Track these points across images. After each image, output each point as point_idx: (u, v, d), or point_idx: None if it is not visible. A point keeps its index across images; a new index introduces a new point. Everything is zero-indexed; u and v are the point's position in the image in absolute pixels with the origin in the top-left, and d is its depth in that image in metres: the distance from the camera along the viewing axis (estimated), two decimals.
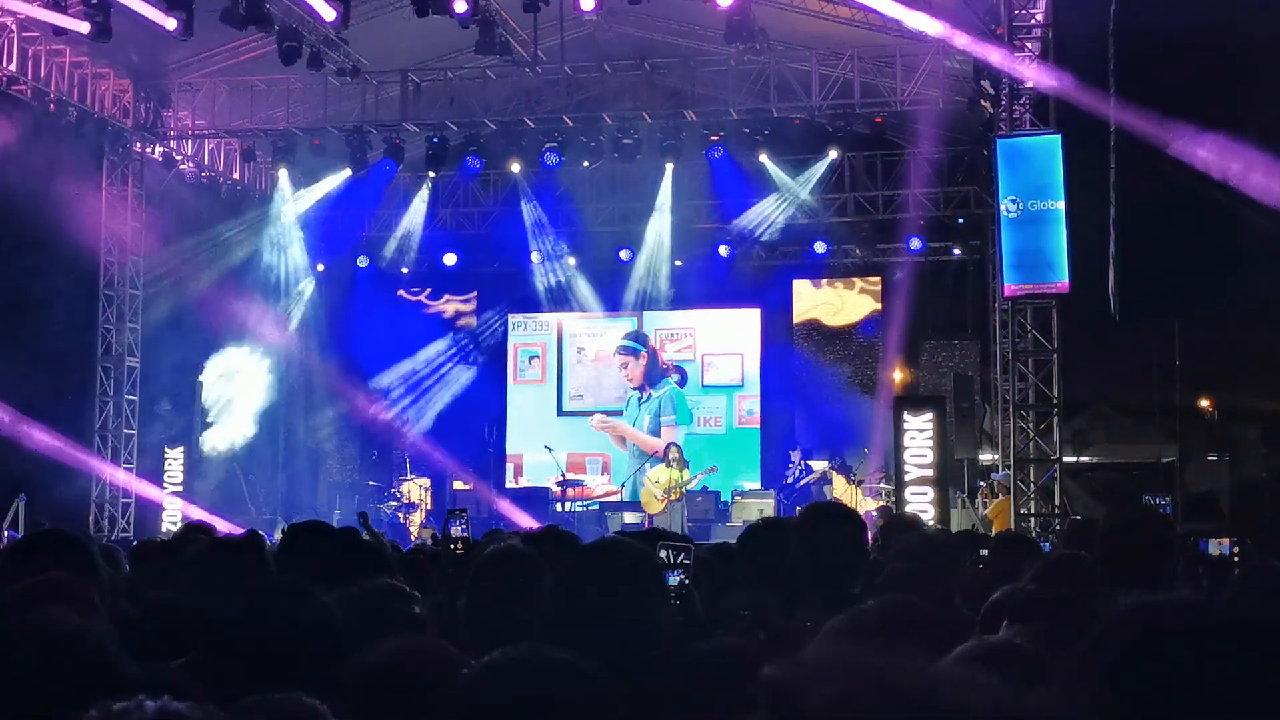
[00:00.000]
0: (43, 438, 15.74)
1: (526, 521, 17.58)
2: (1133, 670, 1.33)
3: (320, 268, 21.54)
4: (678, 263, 20.56)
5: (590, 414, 21.22)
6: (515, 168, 19.12)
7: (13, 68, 15.91)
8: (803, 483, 18.31)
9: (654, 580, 2.73)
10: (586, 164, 18.59)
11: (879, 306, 20.54)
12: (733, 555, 4.74)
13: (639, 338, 21.09)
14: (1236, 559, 4.41)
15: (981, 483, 16.51)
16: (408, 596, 3.42)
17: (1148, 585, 3.46)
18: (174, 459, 17.98)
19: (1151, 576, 3.53)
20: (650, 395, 20.92)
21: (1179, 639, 1.33)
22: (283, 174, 19.58)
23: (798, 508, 14.39)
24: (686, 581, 3.78)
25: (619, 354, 21.17)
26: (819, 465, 18.47)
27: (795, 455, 18.75)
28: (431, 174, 19.33)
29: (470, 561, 3.91)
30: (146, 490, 17.65)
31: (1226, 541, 4.44)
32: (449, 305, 22.22)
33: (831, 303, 20.80)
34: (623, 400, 21.13)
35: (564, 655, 1.91)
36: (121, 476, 17.69)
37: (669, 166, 18.78)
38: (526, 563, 3.53)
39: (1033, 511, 14.46)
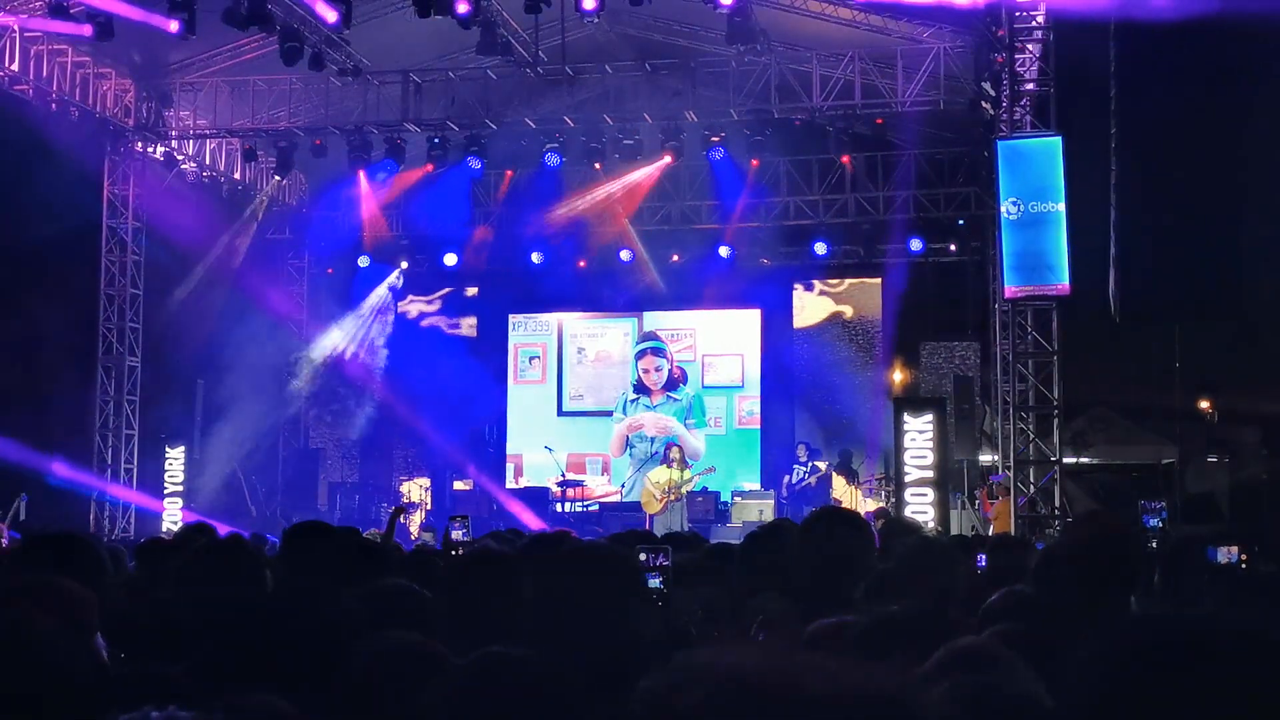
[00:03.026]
0: (43, 434, 15.76)
1: (530, 520, 17.61)
2: (1137, 683, 1.33)
3: (330, 271, 21.57)
4: (675, 258, 20.56)
5: (590, 414, 21.20)
6: (516, 168, 19.11)
7: (15, 67, 15.93)
8: (802, 484, 18.28)
9: (633, 584, 2.73)
10: (598, 166, 18.61)
11: (839, 309, 20.63)
12: (728, 557, 4.76)
13: (659, 338, 20.98)
14: (1244, 566, 4.40)
15: (982, 484, 16.53)
16: (418, 595, 3.44)
17: (1111, 596, 3.45)
18: (174, 458, 17.99)
19: (1114, 591, 3.52)
20: (668, 398, 20.77)
21: (1184, 652, 1.33)
22: (294, 174, 19.67)
23: (808, 508, 14.46)
24: (664, 584, 3.78)
25: (650, 355, 20.96)
26: (820, 465, 18.49)
27: (801, 452, 18.70)
28: (430, 168, 19.26)
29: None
30: (143, 500, 17.66)
31: (1235, 549, 4.43)
32: (412, 306, 22.25)
33: (791, 305, 20.89)
34: (621, 402, 21.10)
35: (543, 656, 1.92)
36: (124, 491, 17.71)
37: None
38: (503, 564, 3.54)
39: (1030, 513, 14.47)
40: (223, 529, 6.22)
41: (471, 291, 22.05)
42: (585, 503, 19.92)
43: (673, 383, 20.80)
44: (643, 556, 3.74)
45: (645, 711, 1.16)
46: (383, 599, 3.11)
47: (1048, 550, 3.74)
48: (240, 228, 19.92)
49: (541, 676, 1.89)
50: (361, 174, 19.20)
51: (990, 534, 13.53)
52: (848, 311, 20.67)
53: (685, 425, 20.50)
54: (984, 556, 5.16)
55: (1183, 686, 1.30)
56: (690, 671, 1.16)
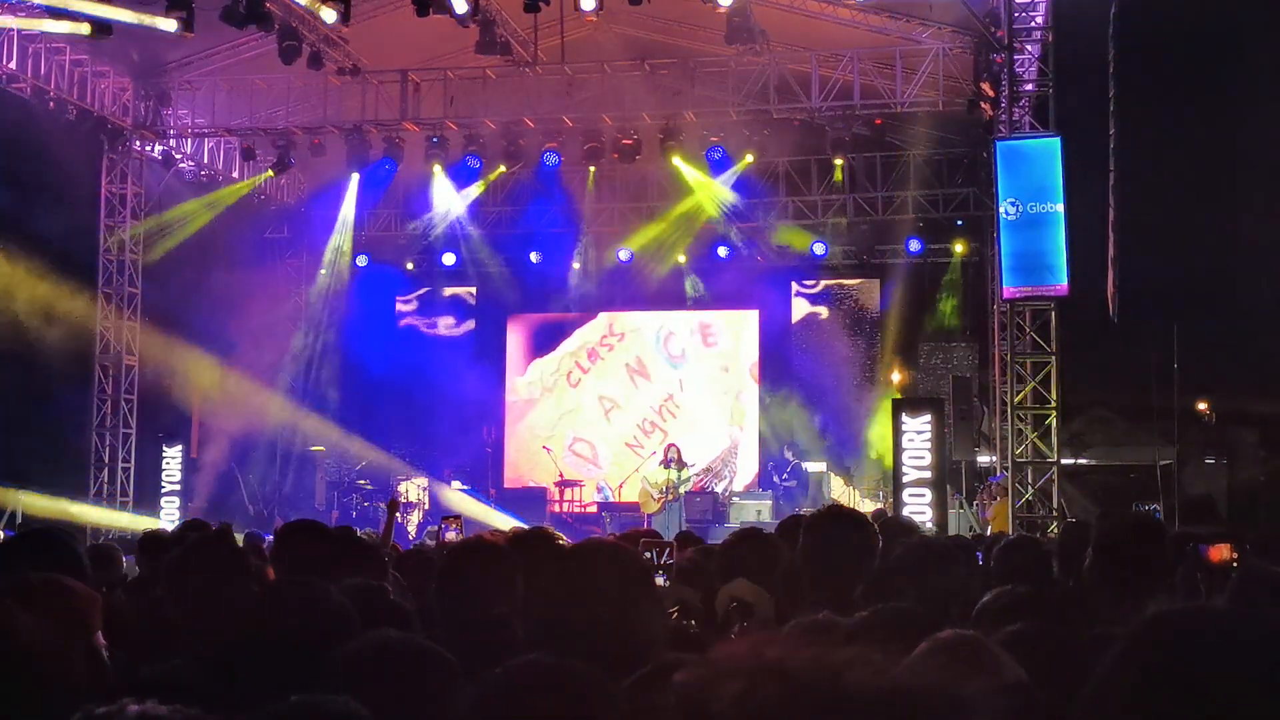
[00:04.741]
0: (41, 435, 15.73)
1: (527, 522, 17.58)
2: (1167, 679, 1.31)
3: (323, 272, 21.54)
4: (681, 259, 20.57)
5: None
6: (515, 168, 19.11)
7: (12, 65, 15.91)
8: (790, 482, 18.22)
9: (645, 583, 2.70)
10: (592, 169, 18.61)
11: (814, 310, 20.62)
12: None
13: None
14: (1235, 564, 4.39)
15: (980, 485, 16.52)
16: (386, 593, 3.42)
17: (1142, 591, 3.46)
18: (171, 457, 17.97)
19: (1146, 582, 3.52)
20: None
21: (1214, 647, 1.32)
22: (292, 173, 19.67)
23: (804, 509, 14.43)
24: (668, 582, 3.79)
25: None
26: (817, 466, 18.44)
27: (788, 454, 18.67)
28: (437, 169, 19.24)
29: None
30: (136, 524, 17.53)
31: (1226, 547, 4.41)
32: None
33: (790, 305, 20.90)
34: (620, 407, 21.06)
35: (583, 666, 1.88)
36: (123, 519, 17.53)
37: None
38: (495, 554, 3.53)
39: (1028, 514, 14.45)
40: None
41: (449, 292, 22.07)
42: (583, 503, 19.91)
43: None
44: (647, 555, 3.75)
45: (684, 704, 1.14)
46: (353, 598, 3.09)
47: (1096, 541, 3.73)
48: (238, 226, 19.87)
49: (580, 685, 1.85)
50: (359, 173, 19.18)
51: (988, 534, 13.51)
52: (823, 313, 20.72)
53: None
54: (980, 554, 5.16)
55: (1218, 682, 1.28)
56: (729, 663, 1.13)
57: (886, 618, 2.42)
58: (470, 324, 22.19)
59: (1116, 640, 1.39)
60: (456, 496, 19.43)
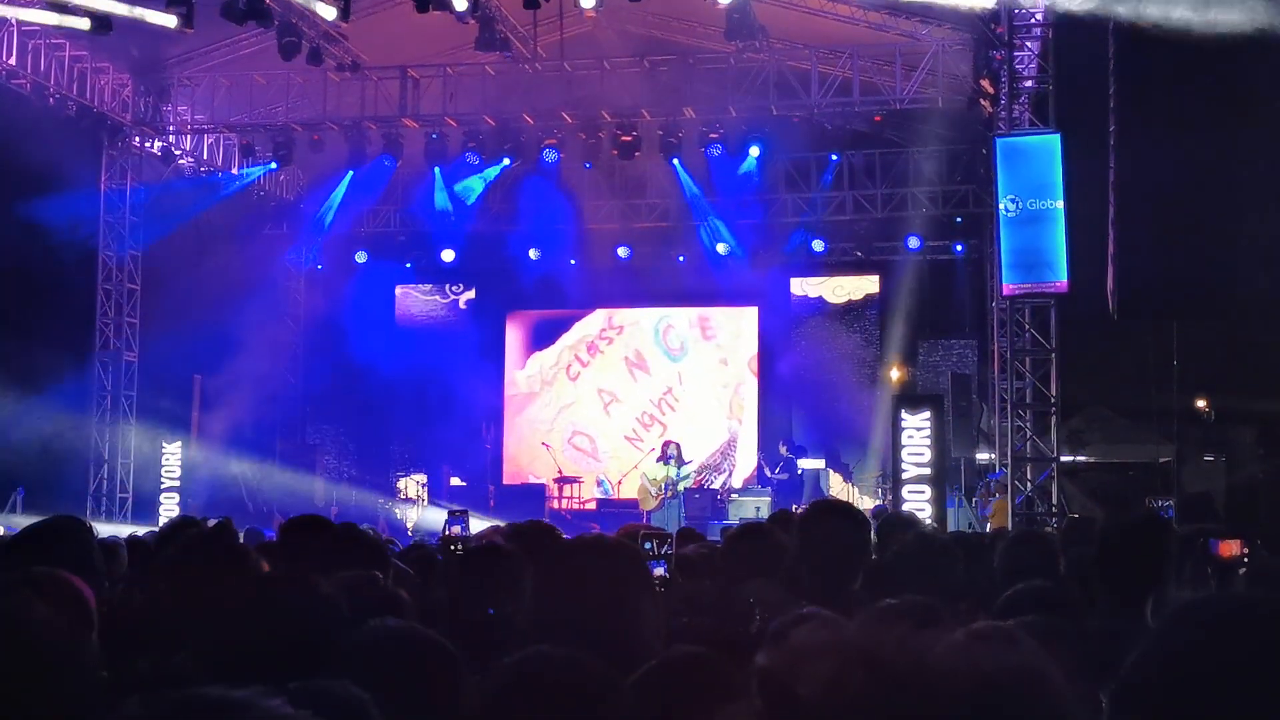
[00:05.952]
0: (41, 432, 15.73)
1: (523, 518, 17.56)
2: (1202, 664, 1.32)
3: (319, 267, 21.54)
4: (681, 258, 20.58)
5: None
6: (514, 164, 19.10)
7: (12, 61, 15.90)
8: (782, 475, 18.20)
9: (639, 575, 2.70)
10: (588, 167, 18.60)
11: (813, 307, 20.69)
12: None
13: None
14: (1245, 559, 4.39)
15: (980, 482, 16.52)
16: (378, 582, 3.43)
17: (1145, 588, 3.47)
18: (171, 453, 17.97)
19: (1149, 580, 3.53)
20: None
21: (1246, 631, 1.32)
22: (292, 169, 19.67)
23: (794, 505, 14.44)
24: (669, 572, 3.81)
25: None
26: (815, 463, 18.43)
27: (782, 449, 18.66)
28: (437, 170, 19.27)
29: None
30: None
31: (1236, 543, 4.41)
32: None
33: (789, 302, 20.94)
34: (620, 400, 21.05)
35: (592, 659, 1.88)
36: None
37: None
38: (508, 558, 3.54)
39: (1027, 511, 14.46)
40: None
41: (448, 288, 22.13)
42: (582, 500, 19.91)
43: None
44: (647, 545, 3.76)
45: (766, 688, 1.13)
46: (347, 589, 3.09)
47: (1102, 536, 3.74)
48: (238, 222, 19.87)
49: (591, 677, 1.85)
50: (354, 170, 19.17)
51: (988, 532, 13.52)
52: (822, 310, 20.80)
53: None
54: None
55: (1252, 665, 1.28)
56: (809, 650, 1.13)
57: (905, 610, 2.44)
58: (468, 321, 22.19)
59: (1148, 629, 1.40)
60: (456, 491, 19.44)
